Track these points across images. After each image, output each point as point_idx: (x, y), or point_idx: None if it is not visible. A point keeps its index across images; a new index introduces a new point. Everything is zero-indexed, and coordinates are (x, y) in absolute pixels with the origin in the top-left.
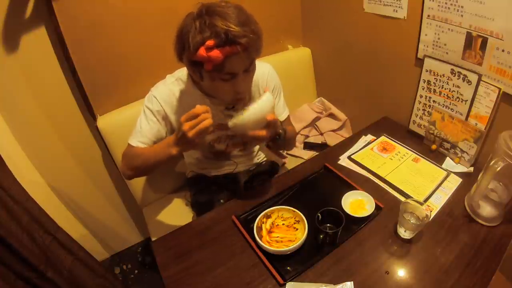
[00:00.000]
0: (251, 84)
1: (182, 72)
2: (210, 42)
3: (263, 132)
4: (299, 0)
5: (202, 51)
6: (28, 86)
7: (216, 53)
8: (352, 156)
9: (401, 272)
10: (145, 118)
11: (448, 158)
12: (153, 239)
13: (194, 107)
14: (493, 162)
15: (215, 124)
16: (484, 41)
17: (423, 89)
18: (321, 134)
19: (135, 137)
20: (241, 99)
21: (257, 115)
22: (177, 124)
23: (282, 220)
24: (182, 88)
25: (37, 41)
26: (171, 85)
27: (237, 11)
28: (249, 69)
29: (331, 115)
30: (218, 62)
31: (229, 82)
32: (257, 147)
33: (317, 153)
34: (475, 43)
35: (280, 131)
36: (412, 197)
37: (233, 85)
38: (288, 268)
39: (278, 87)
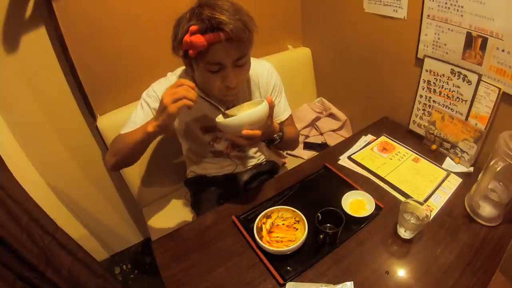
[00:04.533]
0: (243, 80)
1: (183, 69)
2: (193, 27)
3: (242, 141)
4: (299, 0)
5: (186, 37)
6: (28, 86)
7: (198, 38)
8: (352, 156)
9: (401, 272)
10: (141, 110)
11: (448, 158)
12: (153, 239)
13: (194, 104)
14: (493, 162)
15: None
16: (484, 41)
17: (423, 89)
18: (321, 134)
19: (127, 128)
20: (231, 94)
21: (243, 122)
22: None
23: (282, 220)
24: None
25: (37, 41)
26: (172, 81)
27: (230, 3)
28: (240, 64)
29: (331, 115)
30: (202, 48)
31: (218, 74)
32: (257, 147)
33: (317, 153)
34: (475, 43)
35: (276, 136)
36: (412, 197)
37: (222, 78)
38: (288, 268)
39: (279, 86)
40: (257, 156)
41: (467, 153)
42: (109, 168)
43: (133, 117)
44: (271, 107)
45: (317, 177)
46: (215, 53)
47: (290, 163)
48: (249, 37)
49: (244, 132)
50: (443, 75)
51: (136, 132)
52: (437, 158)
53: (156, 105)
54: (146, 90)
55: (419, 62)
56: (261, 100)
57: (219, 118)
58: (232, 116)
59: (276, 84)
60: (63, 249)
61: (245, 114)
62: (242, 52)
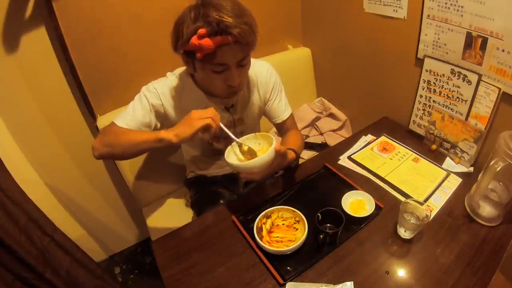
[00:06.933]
0: (245, 79)
1: (183, 70)
2: (202, 31)
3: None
4: (299, 0)
5: (194, 40)
6: (28, 86)
7: (207, 42)
8: (352, 156)
9: (401, 272)
10: (139, 103)
11: (448, 158)
12: (152, 239)
13: (194, 104)
14: (493, 162)
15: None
16: (484, 41)
17: (423, 89)
18: (321, 134)
19: (123, 118)
20: (235, 93)
21: (249, 167)
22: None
23: (282, 220)
24: (182, 85)
25: (37, 41)
26: (172, 81)
27: (232, 4)
28: (243, 64)
29: (331, 115)
30: (209, 51)
31: (222, 74)
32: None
33: (317, 153)
34: (475, 43)
35: (293, 165)
36: (412, 197)
37: (225, 78)
38: (288, 268)
39: (278, 86)
40: None
41: (467, 153)
42: (95, 156)
43: (131, 110)
44: (281, 154)
45: (317, 177)
46: (222, 55)
47: None
48: (254, 40)
49: (243, 175)
50: (443, 75)
51: (144, 133)
52: (437, 158)
53: (155, 101)
54: (145, 86)
55: (419, 62)
56: (270, 138)
57: (230, 158)
58: (240, 143)
59: (275, 83)
60: (61, 249)
61: (251, 162)
62: (246, 53)
